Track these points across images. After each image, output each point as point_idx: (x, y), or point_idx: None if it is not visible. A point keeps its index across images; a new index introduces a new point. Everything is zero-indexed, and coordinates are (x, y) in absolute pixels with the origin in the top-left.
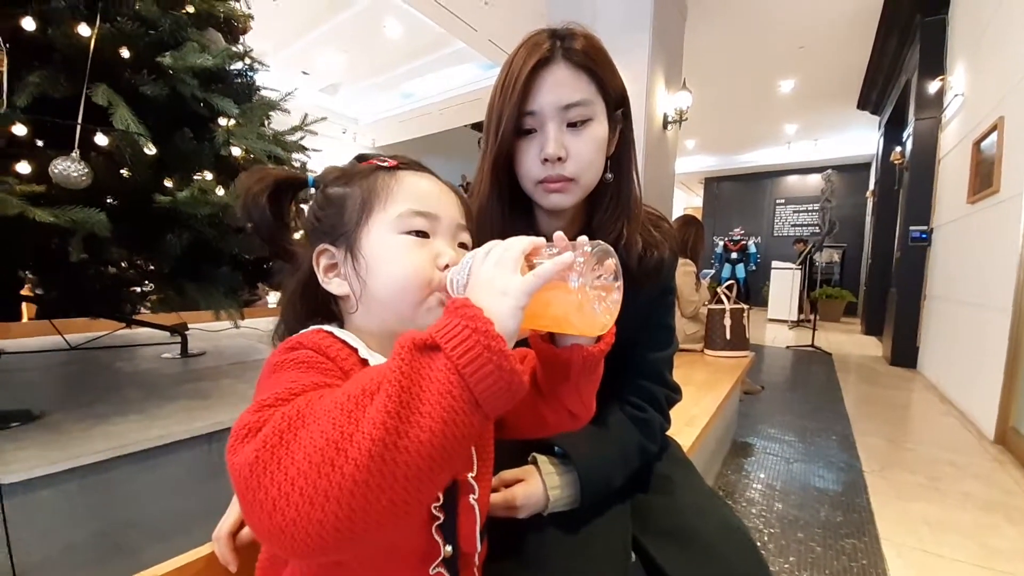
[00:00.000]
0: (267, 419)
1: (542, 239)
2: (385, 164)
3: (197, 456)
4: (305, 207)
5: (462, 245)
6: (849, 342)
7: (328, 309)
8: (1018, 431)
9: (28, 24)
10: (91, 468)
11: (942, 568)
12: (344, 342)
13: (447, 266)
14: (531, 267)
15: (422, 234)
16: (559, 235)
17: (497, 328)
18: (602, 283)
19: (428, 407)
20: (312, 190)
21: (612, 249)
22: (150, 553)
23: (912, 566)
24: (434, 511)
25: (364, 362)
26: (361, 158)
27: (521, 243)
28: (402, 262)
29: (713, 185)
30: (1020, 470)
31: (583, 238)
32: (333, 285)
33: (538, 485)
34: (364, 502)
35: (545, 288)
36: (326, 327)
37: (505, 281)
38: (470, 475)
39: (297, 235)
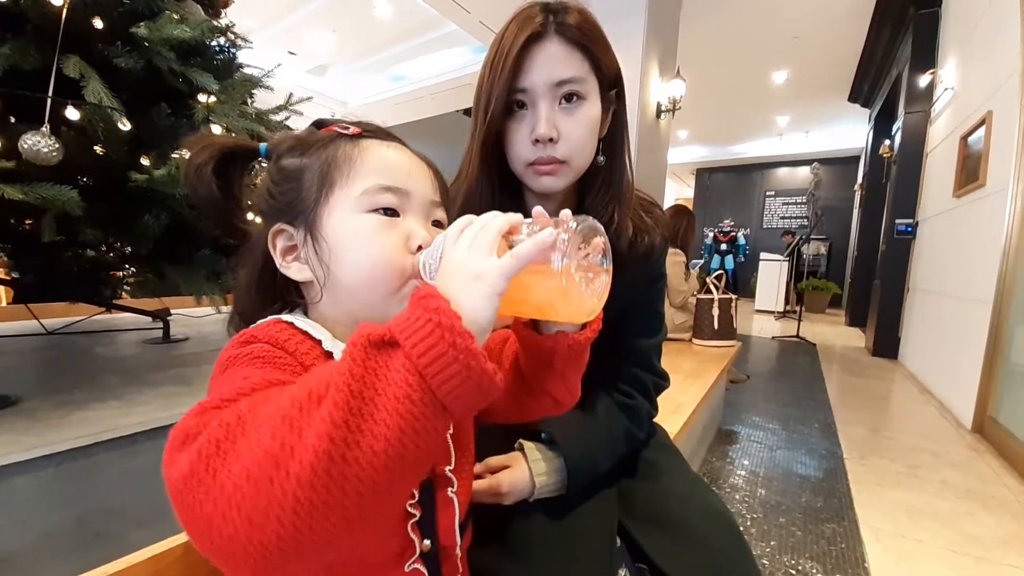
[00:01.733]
0: (206, 424)
1: (520, 215)
2: (347, 131)
3: None
4: (258, 180)
5: (436, 223)
6: (833, 333)
7: (290, 294)
8: (995, 420)
9: None
10: (68, 454)
11: (919, 553)
12: (306, 333)
13: (420, 248)
14: (510, 247)
15: (391, 212)
16: (538, 210)
17: (467, 321)
18: (589, 263)
19: (383, 413)
20: (264, 160)
21: (600, 225)
22: (130, 539)
23: (889, 550)
24: (409, 508)
25: (328, 355)
26: (320, 124)
27: (498, 220)
28: (369, 246)
29: (704, 176)
30: (997, 459)
31: (566, 212)
32: (292, 270)
33: (524, 471)
34: (310, 520)
35: (525, 271)
36: (286, 317)
37: (479, 264)
38: (447, 468)
39: (249, 213)
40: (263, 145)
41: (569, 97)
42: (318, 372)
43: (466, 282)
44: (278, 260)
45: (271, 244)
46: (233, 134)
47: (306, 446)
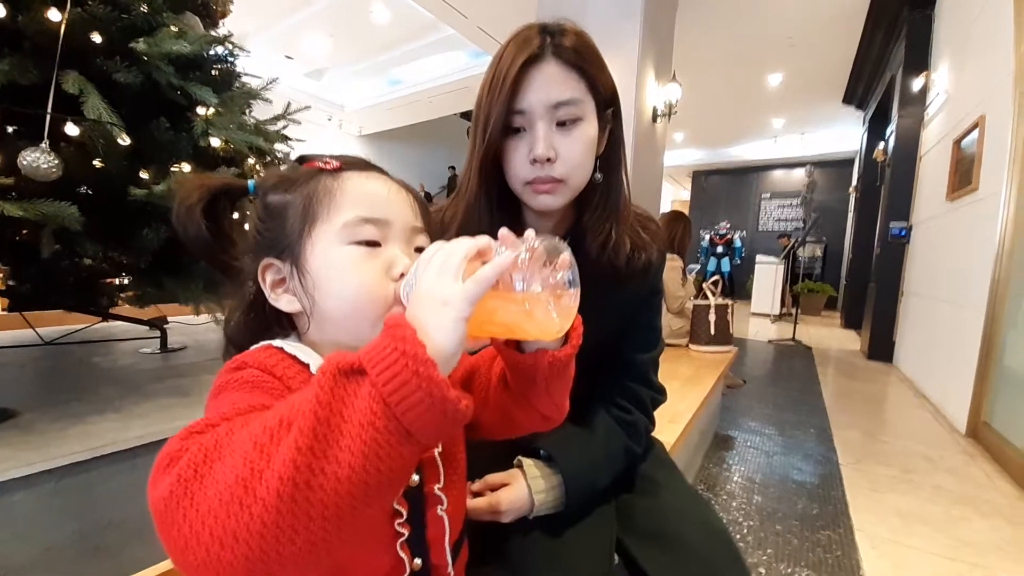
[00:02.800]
0: (188, 447)
1: (487, 239)
2: (328, 166)
3: None
4: (247, 217)
5: (419, 250)
6: (829, 336)
7: (281, 325)
8: (989, 425)
9: None
10: (68, 469)
11: (914, 559)
12: (294, 358)
13: (403, 275)
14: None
15: (373, 243)
16: (504, 232)
17: (434, 348)
18: (555, 281)
19: (348, 440)
20: (252, 198)
21: (563, 242)
22: (130, 553)
23: (884, 557)
24: (398, 528)
25: None
26: (302, 159)
27: (464, 246)
28: (351, 278)
29: (701, 179)
30: (991, 464)
31: (530, 232)
32: (283, 302)
33: (523, 489)
34: (276, 544)
35: (490, 294)
36: (276, 342)
37: (446, 290)
38: (437, 487)
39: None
40: (251, 183)
41: (566, 119)
42: (292, 398)
43: (434, 308)
44: (268, 293)
45: (261, 278)
46: (232, 146)
47: (273, 472)
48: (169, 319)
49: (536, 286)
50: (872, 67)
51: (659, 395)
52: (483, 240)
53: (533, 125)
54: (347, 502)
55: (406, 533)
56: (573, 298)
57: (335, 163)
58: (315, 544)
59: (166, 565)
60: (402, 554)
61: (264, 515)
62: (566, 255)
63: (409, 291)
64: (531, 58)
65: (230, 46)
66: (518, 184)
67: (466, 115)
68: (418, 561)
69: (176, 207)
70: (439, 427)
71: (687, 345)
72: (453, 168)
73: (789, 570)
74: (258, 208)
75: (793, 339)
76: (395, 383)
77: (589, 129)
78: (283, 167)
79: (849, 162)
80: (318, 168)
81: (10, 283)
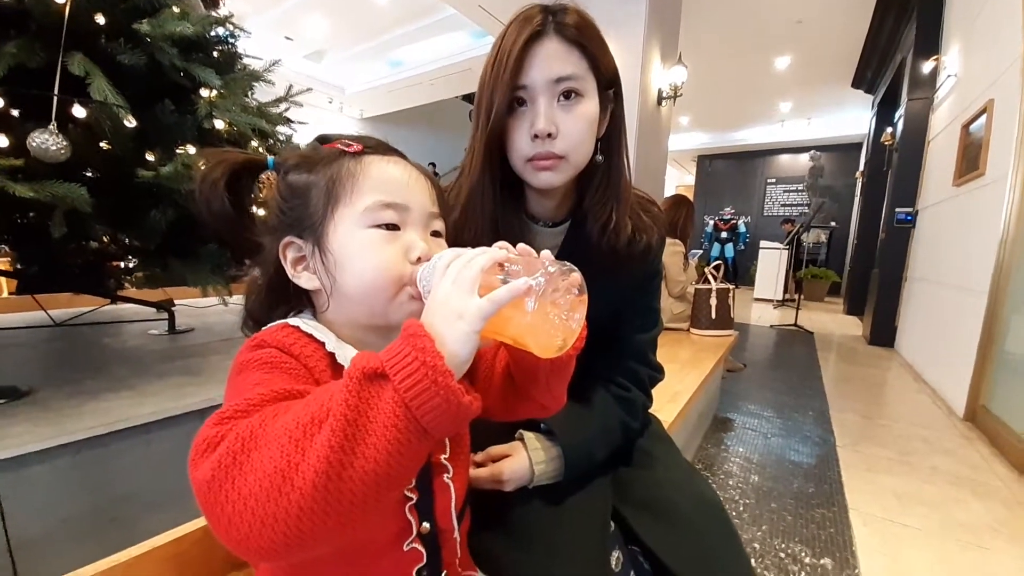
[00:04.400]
0: (224, 435)
1: (503, 252)
2: (350, 148)
3: (190, 431)
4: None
5: (435, 234)
6: (831, 321)
7: (300, 301)
8: (987, 409)
9: None
10: (84, 443)
11: (906, 537)
12: (310, 336)
13: (420, 259)
14: (503, 272)
15: (392, 227)
16: (523, 247)
17: (448, 359)
18: (566, 300)
19: (374, 438)
20: (271, 172)
21: (574, 267)
22: (146, 524)
23: (876, 534)
24: (407, 492)
25: (331, 355)
26: (323, 139)
27: (481, 259)
28: (371, 259)
29: (706, 163)
30: (987, 446)
31: (546, 253)
32: (303, 279)
33: (524, 460)
34: (311, 524)
35: (503, 308)
36: (292, 321)
37: (461, 303)
38: (443, 457)
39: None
40: (271, 159)
41: (568, 94)
42: (321, 395)
43: (449, 320)
44: (289, 270)
45: (282, 255)
46: (235, 128)
47: (309, 465)
48: (176, 302)
49: (547, 308)
50: (882, 50)
51: (657, 373)
52: (499, 253)
53: (535, 100)
54: (372, 490)
55: (414, 498)
56: (578, 320)
57: (357, 145)
58: (343, 524)
59: (179, 531)
60: (410, 517)
61: (301, 502)
62: (576, 277)
63: (426, 285)
64: (533, 35)
65: (231, 27)
66: (520, 161)
67: (468, 98)
68: (426, 525)
69: (199, 183)
70: (452, 425)
71: (688, 329)
72: (434, 165)
73: (783, 545)
74: (280, 187)
75: (795, 324)
76: (416, 390)
77: (590, 107)
78: (303, 147)
79: (857, 147)
80: (340, 150)
81: (18, 266)
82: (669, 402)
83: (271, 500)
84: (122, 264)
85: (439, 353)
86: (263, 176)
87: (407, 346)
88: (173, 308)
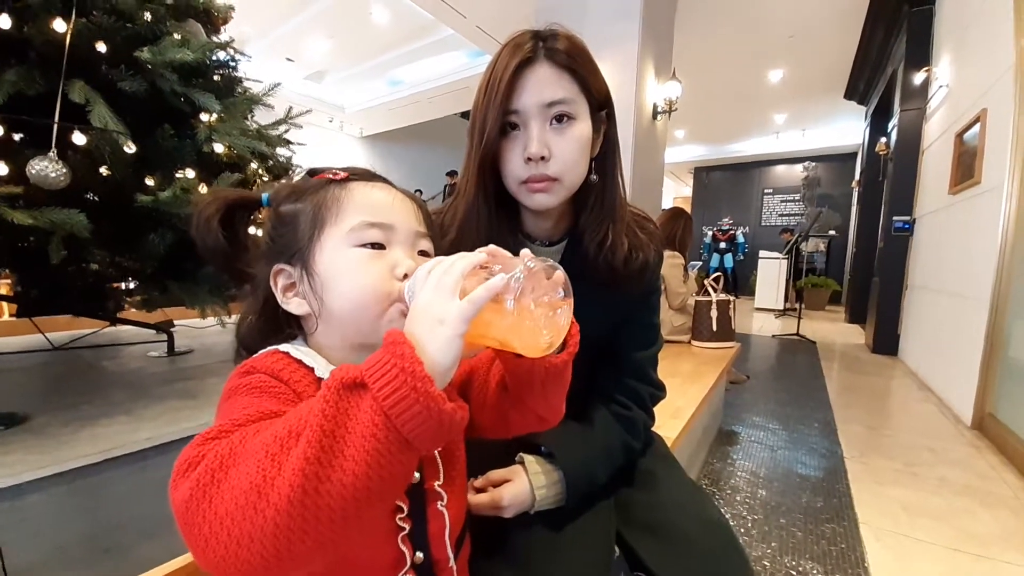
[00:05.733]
0: (205, 454)
1: (482, 256)
2: (337, 177)
3: None
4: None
5: (423, 253)
6: (833, 330)
7: (290, 327)
8: (994, 417)
9: (4, 22)
10: (79, 472)
11: (918, 551)
12: (300, 362)
13: (406, 276)
14: (485, 279)
15: (378, 246)
16: (493, 248)
17: (429, 365)
18: (548, 301)
19: (352, 450)
20: (265, 208)
21: (557, 263)
22: (140, 553)
23: (889, 549)
24: (399, 522)
25: (320, 381)
26: (312, 172)
27: (461, 263)
28: (357, 277)
29: (703, 175)
30: (996, 455)
31: (526, 252)
32: (292, 305)
33: (525, 485)
34: (288, 543)
35: (486, 309)
36: (283, 347)
37: (441, 308)
38: (436, 483)
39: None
40: (265, 195)
41: (560, 117)
42: (301, 409)
43: (431, 326)
44: (279, 297)
45: (272, 283)
46: (235, 151)
47: (284, 479)
48: (175, 323)
49: (529, 305)
50: (873, 62)
51: (658, 391)
52: (480, 256)
53: (527, 124)
54: (352, 505)
55: (407, 527)
56: (564, 317)
57: (343, 174)
58: (323, 542)
59: (174, 564)
60: (403, 547)
61: (276, 518)
62: (559, 274)
63: (411, 299)
64: (524, 61)
65: (232, 51)
66: (514, 183)
67: (466, 115)
68: (420, 555)
69: (195, 220)
70: (436, 436)
71: (689, 341)
72: (454, 173)
73: (794, 563)
74: (271, 218)
75: (797, 334)
76: (395, 397)
77: (583, 129)
78: (295, 179)
79: (852, 156)
80: (327, 179)
81: (18, 289)
82: (672, 418)
83: (246, 518)
84: (122, 286)
85: (419, 359)
86: (259, 213)
87: (387, 354)
88: (173, 329)
